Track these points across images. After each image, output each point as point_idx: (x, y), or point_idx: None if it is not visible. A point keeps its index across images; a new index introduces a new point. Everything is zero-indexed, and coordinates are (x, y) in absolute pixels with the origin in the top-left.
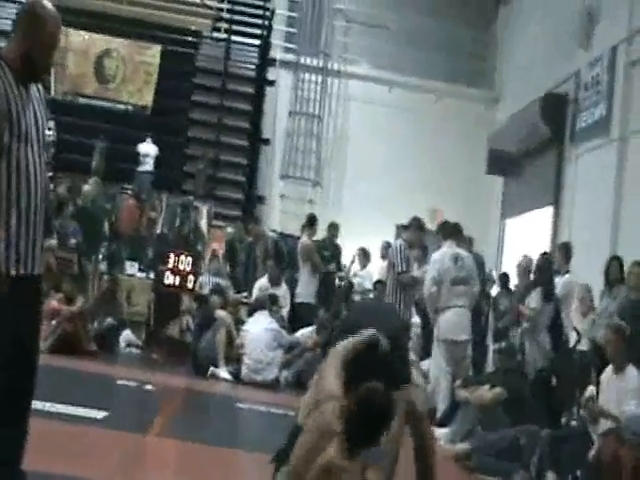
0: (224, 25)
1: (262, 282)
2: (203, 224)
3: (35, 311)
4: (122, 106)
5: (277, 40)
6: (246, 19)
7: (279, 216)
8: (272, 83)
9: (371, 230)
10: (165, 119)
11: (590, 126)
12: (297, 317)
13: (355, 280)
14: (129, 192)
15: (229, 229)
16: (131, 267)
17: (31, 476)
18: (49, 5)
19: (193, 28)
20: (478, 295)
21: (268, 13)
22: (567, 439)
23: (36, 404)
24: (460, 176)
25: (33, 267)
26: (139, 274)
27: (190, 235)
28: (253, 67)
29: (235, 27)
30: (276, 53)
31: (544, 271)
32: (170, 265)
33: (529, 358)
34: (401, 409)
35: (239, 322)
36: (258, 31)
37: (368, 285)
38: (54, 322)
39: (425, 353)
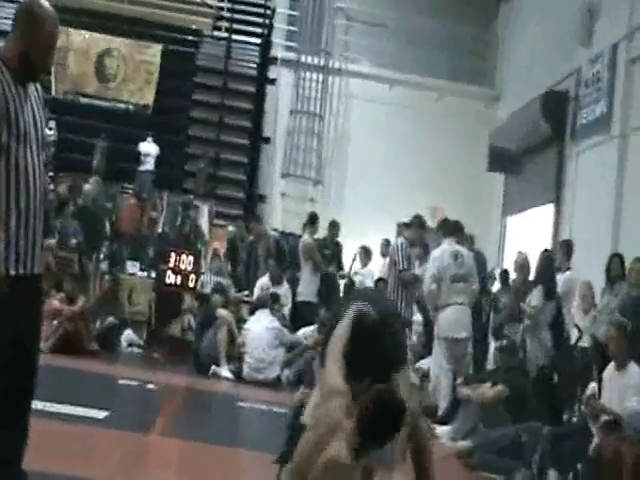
0: (225, 24)
1: (263, 281)
2: (203, 223)
3: (35, 311)
4: (123, 105)
5: (278, 39)
6: (247, 18)
7: (280, 215)
8: (273, 82)
9: (372, 228)
10: (166, 118)
11: (591, 123)
12: (298, 316)
13: (356, 278)
14: (130, 191)
15: (230, 228)
16: (132, 266)
17: (32, 476)
18: (47, 5)
19: (194, 27)
20: (478, 293)
21: (269, 12)
22: (568, 436)
23: (37, 404)
24: (461, 174)
25: (33, 267)
26: (140, 273)
27: (191, 234)
28: (254, 66)
29: (236, 26)
30: (277, 52)
31: (545, 269)
32: (171, 264)
33: (530, 355)
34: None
35: (240, 321)
36: (259, 30)
37: (369, 283)
38: (55, 322)
39: (427, 351)
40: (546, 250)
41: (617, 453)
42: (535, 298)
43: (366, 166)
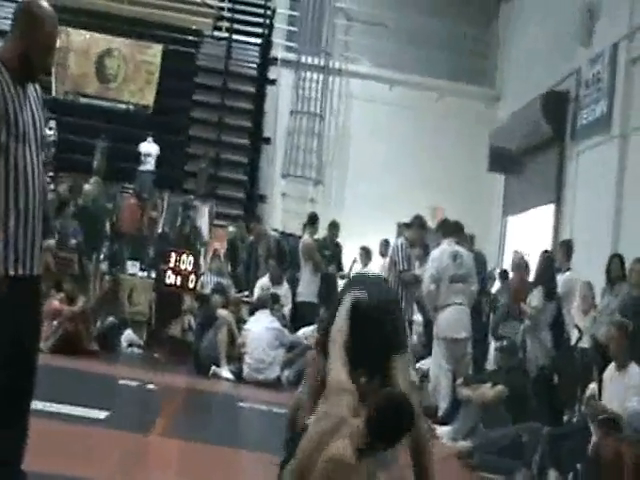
0: (225, 24)
1: (264, 281)
2: (203, 223)
3: (34, 311)
4: (123, 105)
5: (278, 39)
6: (247, 18)
7: (280, 215)
8: (273, 82)
9: (372, 228)
10: (166, 118)
11: (591, 123)
12: (299, 316)
13: None
14: (130, 191)
15: (231, 228)
16: (132, 266)
17: (32, 476)
18: (46, 5)
19: (194, 27)
20: (477, 293)
21: (269, 12)
22: (568, 436)
23: (37, 404)
24: (461, 174)
25: (32, 267)
26: (140, 273)
27: (191, 235)
28: (254, 66)
29: (236, 26)
30: (277, 52)
31: (545, 269)
32: (171, 264)
33: (531, 356)
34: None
35: (240, 321)
36: (259, 30)
37: None
38: (55, 322)
39: (427, 351)
40: (546, 251)
41: (617, 454)
42: (535, 299)
43: (366, 166)
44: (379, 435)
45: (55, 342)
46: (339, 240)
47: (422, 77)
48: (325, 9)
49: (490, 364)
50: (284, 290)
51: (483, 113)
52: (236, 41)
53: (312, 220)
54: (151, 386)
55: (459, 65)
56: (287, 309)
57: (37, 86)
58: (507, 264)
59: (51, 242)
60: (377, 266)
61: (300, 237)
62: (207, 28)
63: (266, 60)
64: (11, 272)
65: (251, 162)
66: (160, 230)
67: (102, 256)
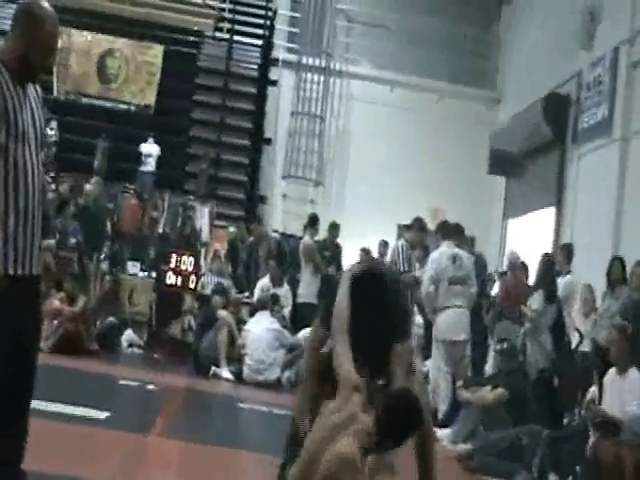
0: (226, 25)
1: (264, 282)
2: (204, 224)
3: (34, 311)
4: (124, 106)
5: (279, 40)
6: (248, 19)
7: (281, 216)
8: (274, 83)
9: (372, 230)
10: (167, 119)
11: (592, 127)
12: (299, 317)
13: None
14: (131, 192)
15: (231, 229)
16: (133, 267)
17: (32, 476)
18: (47, 5)
19: (195, 28)
20: (477, 295)
21: (270, 13)
22: (568, 439)
23: (38, 404)
24: (462, 176)
25: (32, 267)
26: (141, 274)
27: (191, 235)
28: (255, 67)
29: (237, 27)
30: (278, 53)
31: (546, 272)
32: (172, 265)
33: (531, 359)
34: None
35: (240, 322)
36: (260, 31)
37: None
38: (56, 322)
39: (427, 353)
40: (547, 254)
41: (617, 457)
42: (536, 301)
43: (367, 168)
44: (388, 434)
45: (55, 342)
46: (339, 241)
47: (423, 79)
48: (326, 10)
49: (489, 366)
50: (284, 291)
51: (484, 115)
52: (237, 42)
53: (312, 221)
54: (151, 386)
55: (460, 67)
56: (287, 310)
57: (37, 86)
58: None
59: (51, 242)
60: None
61: (300, 238)
62: (208, 29)
63: (267, 61)
64: (11, 272)
65: (252, 163)
66: (161, 231)
67: (103, 256)
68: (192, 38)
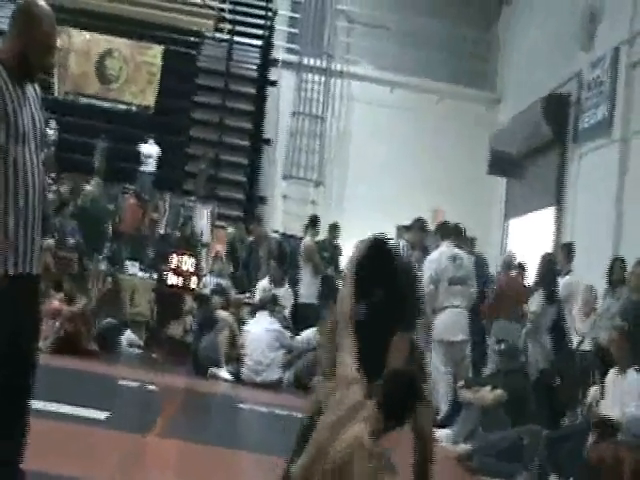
0: (226, 26)
1: (264, 283)
2: (204, 225)
3: (33, 310)
4: (124, 106)
5: (279, 41)
6: (248, 19)
7: (281, 217)
8: (274, 84)
9: (372, 230)
10: (167, 119)
11: (592, 127)
12: (300, 318)
13: None
14: (131, 192)
15: (230, 229)
16: (133, 267)
17: (32, 476)
18: (44, 4)
19: (195, 28)
20: (477, 296)
21: (270, 14)
22: (567, 439)
23: (38, 404)
24: (462, 177)
25: (31, 267)
26: (141, 274)
27: (192, 236)
28: (255, 68)
29: (237, 28)
30: (278, 54)
31: (546, 272)
32: (173, 266)
33: (531, 359)
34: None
35: (240, 322)
36: (260, 32)
37: None
38: (56, 322)
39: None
40: (547, 253)
41: (616, 459)
42: (536, 302)
43: (367, 168)
44: (390, 409)
45: (54, 342)
46: (339, 242)
47: (423, 80)
48: (326, 11)
49: (489, 367)
50: (285, 292)
51: (484, 116)
52: (237, 42)
53: (313, 222)
54: (151, 387)
55: (460, 68)
56: (287, 311)
57: (36, 86)
58: None
59: (50, 242)
60: None
61: (301, 239)
62: (208, 29)
63: (267, 62)
64: (10, 271)
65: (252, 163)
66: (162, 231)
67: (102, 256)
68: (192, 38)
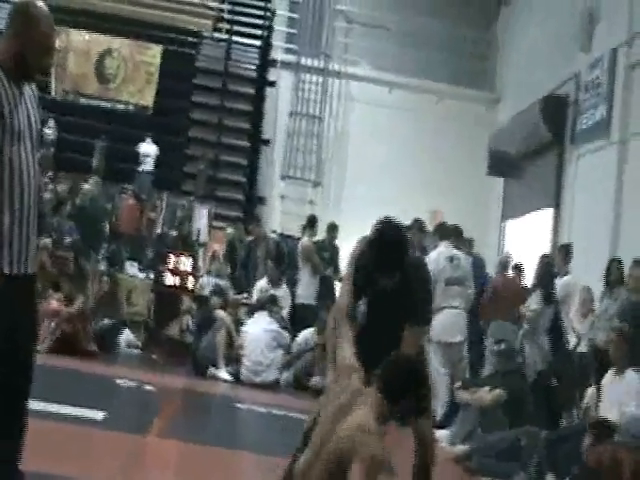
0: (225, 26)
1: (262, 283)
2: (202, 225)
3: (30, 310)
4: (123, 106)
5: (278, 41)
6: (247, 20)
7: (279, 217)
8: (273, 84)
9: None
10: (166, 119)
11: (590, 128)
12: (298, 318)
13: None
14: (129, 192)
15: (229, 230)
16: (131, 267)
17: (30, 477)
18: (42, 5)
19: (194, 28)
20: (475, 297)
21: (269, 14)
22: (565, 440)
23: (36, 404)
24: (461, 177)
25: (27, 266)
26: (139, 274)
27: (189, 236)
28: (254, 68)
29: (236, 28)
30: (277, 54)
31: (544, 273)
32: (170, 266)
33: (529, 360)
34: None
35: (238, 323)
36: (259, 32)
37: None
38: (53, 323)
39: None
40: (545, 255)
41: (615, 460)
42: (534, 303)
43: (365, 168)
44: (390, 391)
45: (52, 343)
46: (337, 242)
47: (422, 80)
48: (325, 11)
49: (486, 367)
50: (283, 292)
51: (483, 116)
52: (236, 43)
53: (311, 222)
54: (149, 387)
55: (459, 68)
56: (286, 311)
57: (34, 86)
58: None
59: (47, 241)
60: None
61: (299, 239)
62: (207, 29)
63: (266, 62)
64: (6, 271)
65: (250, 164)
66: (159, 231)
67: (100, 256)
68: (190, 38)
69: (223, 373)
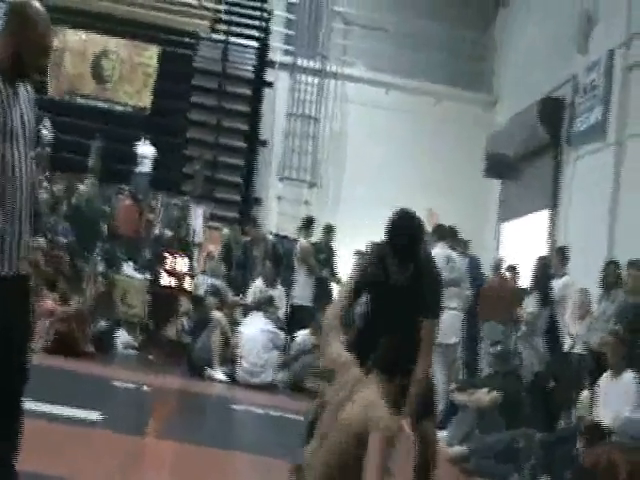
0: (222, 27)
1: (258, 283)
2: (197, 225)
3: (24, 310)
4: (120, 107)
5: (275, 42)
6: (244, 21)
7: (276, 218)
8: (270, 85)
9: (368, 232)
10: (163, 120)
11: (587, 130)
12: (294, 319)
13: None
14: (126, 192)
15: (225, 230)
16: (128, 268)
17: (25, 477)
18: (38, 5)
19: (191, 29)
20: (471, 297)
21: (266, 15)
22: (560, 442)
23: (32, 405)
24: (458, 178)
25: (20, 266)
26: (136, 275)
27: (186, 236)
28: (251, 69)
29: (233, 29)
30: (274, 55)
31: (541, 275)
32: (167, 266)
33: (526, 362)
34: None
35: (234, 323)
36: (256, 33)
37: None
38: (47, 322)
39: None
40: (542, 257)
41: (610, 462)
42: (531, 305)
43: (362, 170)
44: (386, 363)
45: (48, 343)
46: (334, 243)
47: (419, 81)
48: (322, 12)
49: (482, 369)
50: (278, 292)
51: (481, 117)
52: (233, 44)
53: (307, 223)
54: (145, 388)
55: (456, 69)
56: (281, 312)
57: (29, 86)
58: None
59: (41, 241)
60: None
61: (294, 240)
62: (204, 30)
63: (263, 63)
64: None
65: (247, 165)
66: (157, 232)
67: (97, 257)
68: (188, 39)
69: (219, 374)
